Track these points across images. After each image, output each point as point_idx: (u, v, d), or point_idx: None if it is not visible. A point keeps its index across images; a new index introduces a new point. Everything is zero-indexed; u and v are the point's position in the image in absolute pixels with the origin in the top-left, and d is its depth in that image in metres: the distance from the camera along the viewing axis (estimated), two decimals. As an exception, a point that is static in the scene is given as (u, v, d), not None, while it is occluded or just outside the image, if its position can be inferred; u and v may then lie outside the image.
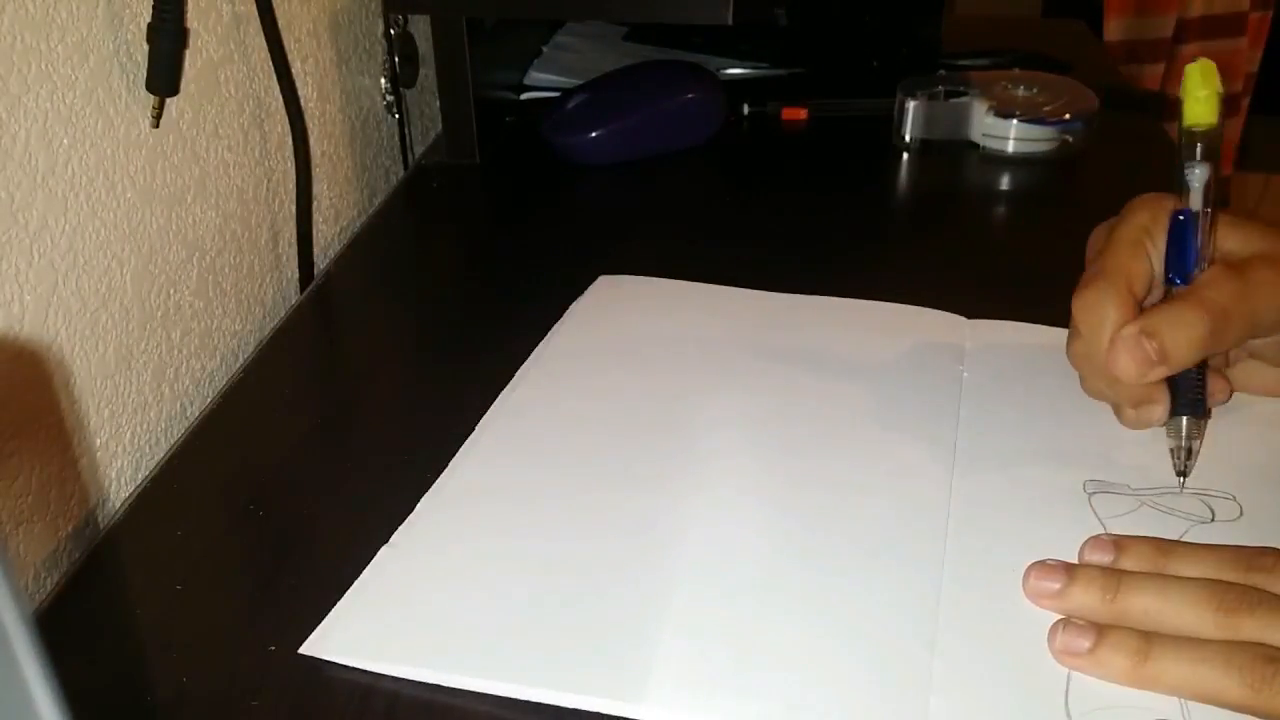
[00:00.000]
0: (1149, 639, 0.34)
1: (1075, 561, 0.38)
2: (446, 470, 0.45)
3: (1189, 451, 0.43)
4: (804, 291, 0.58)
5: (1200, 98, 0.43)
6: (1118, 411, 0.46)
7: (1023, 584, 0.37)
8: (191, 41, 0.53)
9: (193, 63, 0.54)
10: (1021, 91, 0.79)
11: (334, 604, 0.39)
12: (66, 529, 0.46)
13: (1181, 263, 0.43)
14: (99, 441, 0.49)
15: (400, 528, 0.42)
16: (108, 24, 0.48)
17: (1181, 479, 0.43)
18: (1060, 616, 0.36)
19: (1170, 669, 0.33)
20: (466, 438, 0.48)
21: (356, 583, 0.40)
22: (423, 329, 0.60)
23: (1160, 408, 0.43)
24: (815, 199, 0.74)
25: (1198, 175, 0.43)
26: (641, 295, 0.59)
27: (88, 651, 0.38)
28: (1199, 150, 0.43)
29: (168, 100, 0.52)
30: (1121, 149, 0.78)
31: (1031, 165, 0.76)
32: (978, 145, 0.78)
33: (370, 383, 0.54)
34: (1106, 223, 0.46)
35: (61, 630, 0.39)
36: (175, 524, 0.44)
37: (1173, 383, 0.43)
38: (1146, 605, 0.35)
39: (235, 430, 0.50)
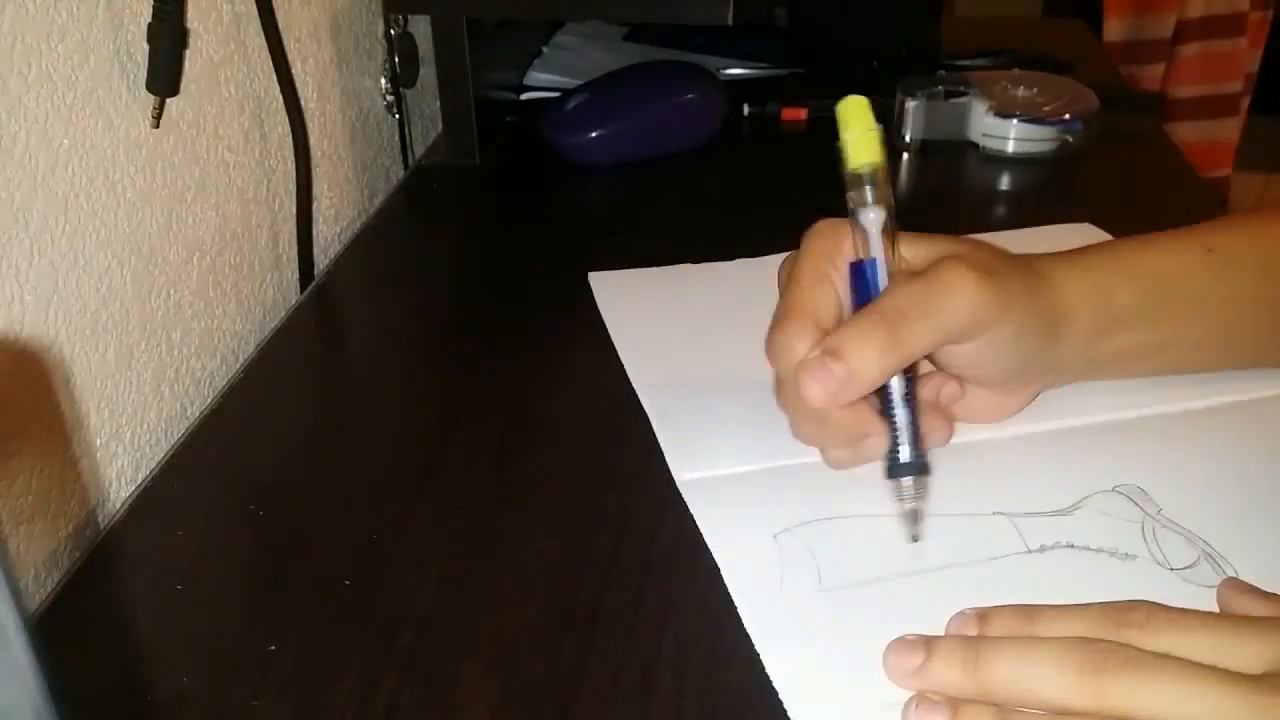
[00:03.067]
0: (1007, 716, 0.32)
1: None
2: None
3: (915, 515, 0.40)
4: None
5: (857, 136, 0.41)
6: (825, 454, 0.44)
7: (883, 663, 0.35)
8: (192, 42, 0.53)
9: (193, 63, 0.54)
10: (1021, 91, 0.79)
11: (334, 603, 0.39)
12: (67, 529, 0.46)
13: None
14: (99, 441, 0.49)
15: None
16: (108, 24, 0.48)
17: (915, 542, 0.40)
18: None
19: None
20: (465, 438, 0.48)
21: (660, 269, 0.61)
22: (422, 329, 0.60)
23: (876, 440, 0.41)
24: (815, 199, 0.73)
25: (873, 219, 0.41)
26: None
27: (88, 651, 0.38)
28: (868, 193, 0.41)
29: (168, 100, 0.52)
30: (1121, 149, 0.78)
31: (1031, 165, 0.76)
32: (978, 145, 0.78)
33: (370, 383, 0.54)
34: (792, 254, 0.44)
35: (61, 630, 0.39)
36: (175, 524, 0.44)
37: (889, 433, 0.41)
38: (1007, 674, 0.33)
39: (235, 430, 0.50)
